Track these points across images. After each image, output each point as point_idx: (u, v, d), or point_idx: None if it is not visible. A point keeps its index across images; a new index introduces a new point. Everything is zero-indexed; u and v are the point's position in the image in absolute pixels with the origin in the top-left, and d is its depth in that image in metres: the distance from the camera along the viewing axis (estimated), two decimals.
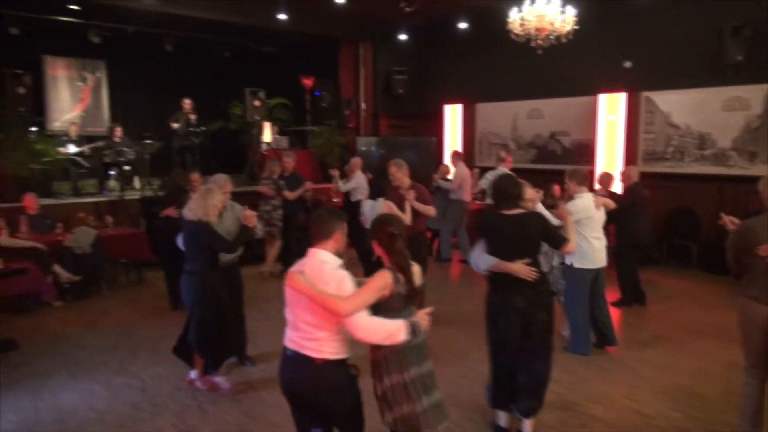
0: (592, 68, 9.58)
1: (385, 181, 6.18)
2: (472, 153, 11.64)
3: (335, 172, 8.82)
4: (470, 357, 5.15)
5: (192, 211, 4.35)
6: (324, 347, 2.68)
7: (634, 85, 9.21)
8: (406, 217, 5.61)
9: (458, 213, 9.03)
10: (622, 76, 9.31)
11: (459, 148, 11.77)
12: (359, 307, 2.60)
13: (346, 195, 8.88)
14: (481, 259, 3.71)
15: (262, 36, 12.50)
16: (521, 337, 3.62)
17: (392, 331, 2.64)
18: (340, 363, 2.74)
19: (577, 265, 5.11)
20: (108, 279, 7.69)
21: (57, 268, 6.89)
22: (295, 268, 2.71)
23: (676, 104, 8.90)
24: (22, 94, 8.84)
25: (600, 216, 5.17)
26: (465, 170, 9.09)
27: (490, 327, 3.79)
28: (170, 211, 6.47)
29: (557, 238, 3.77)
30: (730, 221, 3.64)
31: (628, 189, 6.72)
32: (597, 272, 5.22)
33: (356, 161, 9.08)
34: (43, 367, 5.07)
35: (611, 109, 9.46)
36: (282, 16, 10.50)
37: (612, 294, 6.46)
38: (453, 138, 11.88)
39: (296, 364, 2.73)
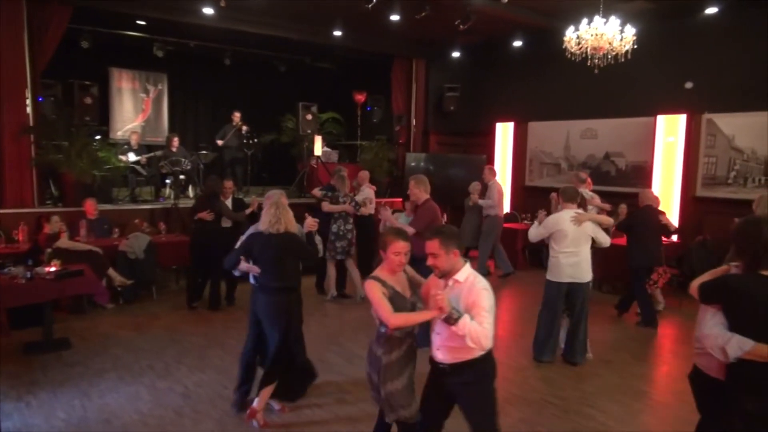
0: (650, 88, 9.28)
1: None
2: (522, 172, 11.47)
3: None
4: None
5: (271, 224, 4.17)
6: None
7: (695, 106, 8.86)
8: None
9: (495, 228, 9.19)
10: (682, 97, 8.97)
11: (510, 166, 11.65)
12: None
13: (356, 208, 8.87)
14: (733, 342, 2.50)
15: (317, 52, 12.73)
16: None
17: None
18: None
19: (547, 276, 5.39)
20: (158, 284, 7.91)
21: (111, 272, 7.12)
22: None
23: (740, 127, 8.49)
24: (88, 104, 9.22)
25: (578, 233, 5.20)
26: (499, 185, 9.27)
27: None
28: (204, 215, 7.01)
29: None
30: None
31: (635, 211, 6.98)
32: (574, 287, 5.29)
33: (363, 175, 8.87)
34: (94, 367, 5.23)
35: (669, 131, 9.13)
36: (338, 33, 10.68)
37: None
38: (504, 156, 11.74)
39: None
